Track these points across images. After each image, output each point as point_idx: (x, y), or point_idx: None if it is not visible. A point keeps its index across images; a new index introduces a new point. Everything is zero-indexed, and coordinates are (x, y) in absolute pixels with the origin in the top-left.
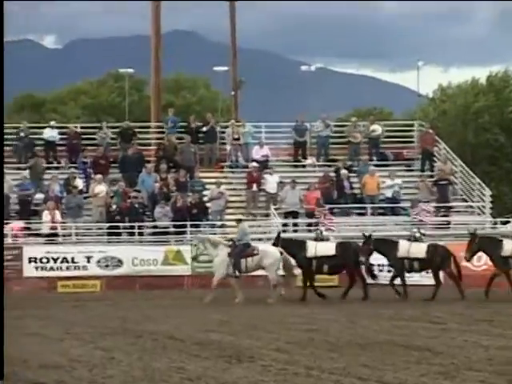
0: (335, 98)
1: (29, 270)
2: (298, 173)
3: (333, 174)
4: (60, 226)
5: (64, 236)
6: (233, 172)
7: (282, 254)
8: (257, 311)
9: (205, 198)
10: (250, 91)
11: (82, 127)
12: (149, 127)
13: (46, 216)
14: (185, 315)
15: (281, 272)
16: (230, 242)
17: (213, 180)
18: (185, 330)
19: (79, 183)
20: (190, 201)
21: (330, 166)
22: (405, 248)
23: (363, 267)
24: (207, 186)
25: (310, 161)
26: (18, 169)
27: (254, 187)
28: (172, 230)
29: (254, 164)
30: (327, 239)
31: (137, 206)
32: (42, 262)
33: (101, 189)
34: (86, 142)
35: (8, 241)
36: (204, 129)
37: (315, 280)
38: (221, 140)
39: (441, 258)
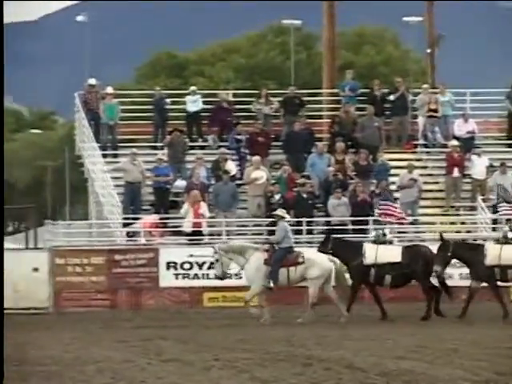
0: None
1: (166, 279)
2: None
3: None
4: (206, 222)
5: (212, 235)
6: (428, 153)
7: (334, 263)
8: (454, 331)
9: (392, 187)
10: (451, 49)
11: (234, 95)
12: (320, 95)
13: (187, 209)
14: (366, 337)
15: (332, 285)
16: (266, 246)
17: (403, 163)
18: (366, 357)
19: (231, 167)
20: (374, 190)
21: None
22: (495, 253)
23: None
24: (395, 171)
25: None
26: (153, 148)
27: (456, 172)
28: (350, 227)
29: (456, 142)
30: (390, 242)
31: (305, 196)
32: (183, 269)
33: (259, 174)
34: (239, 114)
35: (140, 241)
36: (391, 97)
37: (377, 293)
38: (413, 112)
39: None
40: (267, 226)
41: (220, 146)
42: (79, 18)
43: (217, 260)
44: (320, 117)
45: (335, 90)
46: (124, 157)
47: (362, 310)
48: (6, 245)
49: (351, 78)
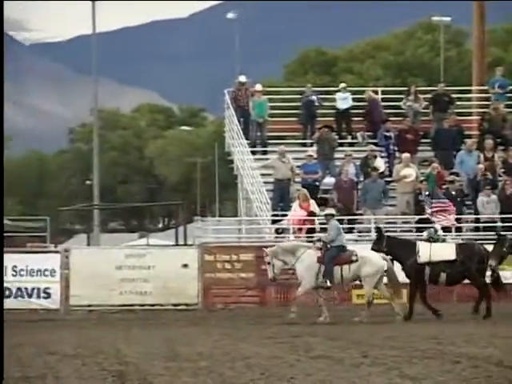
0: None
1: None
2: None
3: None
4: (347, 219)
5: (360, 232)
6: None
7: (386, 261)
8: None
9: None
10: None
11: (383, 92)
12: (470, 92)
13: (295, 207)
14: None
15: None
16: (319, 244)
17: None
18: None
19: (380, 164)
20: None
21: None
22: None
23: (488, 275)
24: None
25: None
26: (302, 145)
27: None
28: (499, 224)
29: None
30: (443, 240)
31: (454, 193)
32: None
33: (408, 171)
34: (388, 111)
35: (289, 238)
36: None
37: (427, 293)
38: None
39: None
40: (416, 223)
41: (369, 143)
42: (229, 16)
43: (268, 263)
44: (469, 114)
45: (485, 87)
46: (273, 154)
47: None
48: (157, 241)
49: (501, 75)
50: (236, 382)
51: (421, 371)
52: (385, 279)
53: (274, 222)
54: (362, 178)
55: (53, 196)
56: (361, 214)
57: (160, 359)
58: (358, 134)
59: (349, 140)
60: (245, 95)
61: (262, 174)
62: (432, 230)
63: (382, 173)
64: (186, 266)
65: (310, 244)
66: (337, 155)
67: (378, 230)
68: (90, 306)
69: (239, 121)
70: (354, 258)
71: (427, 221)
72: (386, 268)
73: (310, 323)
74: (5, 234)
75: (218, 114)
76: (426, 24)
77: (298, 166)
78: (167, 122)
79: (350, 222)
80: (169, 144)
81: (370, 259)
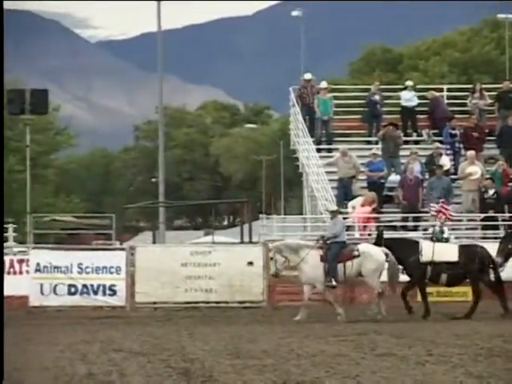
0: None
1: None
2: None
3: None
4: (412, 217)
5: (425, 230)
6: None
7: (387, 256)
8: None
9: None
10: None
11: (448, 89)
12: None
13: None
14: None
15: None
16: (320, 243)
17: None
18: None
19: (445, 161)
20: None
21: None
22: None
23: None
24: None
25: None
26: (367, 143)
27: None
28: None
29: None
30: (446, 240)
31: None
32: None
33: (474, 169)
34: (454, 109)
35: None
36: None
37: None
38: None
39: None
40: (481, 220)
41: (434, 141)
42: (294, 13)
43: (271, 258)
44: None
45: None
46: (338, 151)
47: None
48: (222, 239)
49: None
50: (301, 380)
51: (486, 369)
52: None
53: None
54: (427, 176)
55: (118, 193)
56: (426, 212)
57: (225, 356)
58: (424, 132)
59: (414, 138)
60: (310, 93)
61: (327, 172)
62: (438, 229)
63: (448, 170)
64: (251, 263)
65: (313, 244)
66: (402, 153)
67: (380, 231)
68: (155, 303)
69: (304, 118)
70: (355, 253)
71: (492, 219)
72: (385, 264)
73: (375, 321)
74: (71, 232)
75: (283, 111)
76: (491, 21)
77: (363, 164)
78: (232, 120)
79: (415, 219)
80: (234, 142)
81: (371, 255)
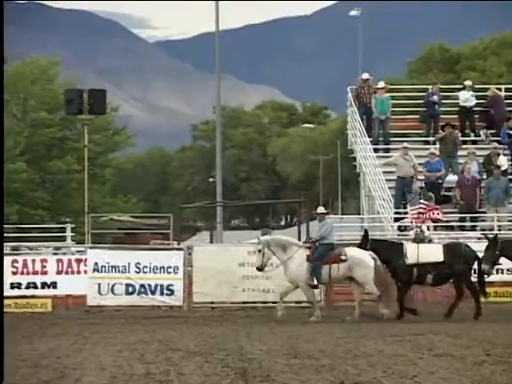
0: None
1: None
2: None
3: None
4: (469, 217)
5: (483, 230)
6: None
7: (375, 260)
8: None
9: None
10: None
11: (506, 89)
12: None
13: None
14: None
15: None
16: (308, 243)
17: None
18: None
19: (503, 161)
20: None
21: None
22: None
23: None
24: None
25: None
26: (425, 142)
27: None
28: None
29: None
30: (429, 240)
31: None
32: None
33: None
34: (511, 109)
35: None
36: None
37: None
38: None
39: None
40: None
41: (492, 141)
42: (352, 13)
43: (259, 251)
44: None
45: None
46: (395, 151)
47: None
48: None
49: None
50: (358, 380)
51: None
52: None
53: (396, 219)
54: (484, 176)
55: (176, 193)
56: (483, 212)
57: (282, 356)
58: (481, 132)
59: (472, 138)
60: (367, 92)
61: (385, 172)
62: (418, 229)
63: (505, 171)
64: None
65: (301, 243)
66: (459, 153)
67: (365, 232)
68: (212, 303)
69: (362, 118)
70: (343, 257)
71: None
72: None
73: (432, 321)
74: (129, 231)
75: (341, 111)
76: None
77: (421, 164)
78: (290, 120)
79: (473, 219)
80: (291, 141)
81: (361, 260)
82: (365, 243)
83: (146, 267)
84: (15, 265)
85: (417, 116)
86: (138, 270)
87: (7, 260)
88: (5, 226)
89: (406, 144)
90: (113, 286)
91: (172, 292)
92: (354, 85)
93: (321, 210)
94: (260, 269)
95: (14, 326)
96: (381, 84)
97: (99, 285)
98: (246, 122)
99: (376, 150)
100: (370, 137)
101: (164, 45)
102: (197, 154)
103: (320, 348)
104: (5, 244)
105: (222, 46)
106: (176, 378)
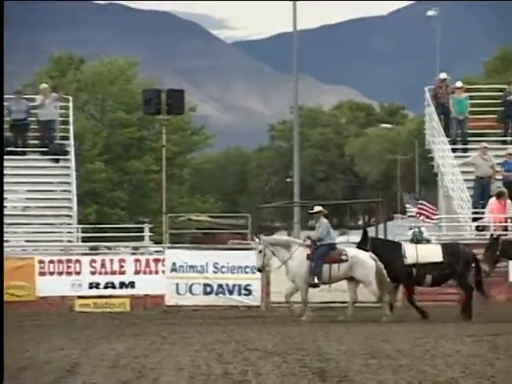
0: None
1: None
2: None
3: None
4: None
5: None
6: None
7: (375, 261)
8: None
9: None
10: None
11: None
12: None
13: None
14: None
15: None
16: (308, 242)
17: None
18: None
19: None
20: None
21: None
22: None
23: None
24: None
25: None
26: (503, 142)
27: None
28: None
29: None
30: (428, 241)
31: None
32: None
33: None
34: None
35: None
36: None
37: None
38: None
39: None
40: None
41: None
42: (429, 13)
43: (260, 251)
44: None
45: None
46: (473, 151)
47: None
48: (357, 239)
49: None
50: (436, 380)
51: None
52: None
53: (474, 219)
54: None
55: (253, 193)
56: None
57: (360, 356)
58: None
59: None
60: (445, 92)
61: (463, 172)
62: (417, 230)
63: None
64: None
65: (301, 241)
66: None
67: (365, 232)
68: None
69: (439, 118)
70: (343, 257)
71: None
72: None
73: (510, 321)
74: (206, 231)
75: (418, 111)
76: None
77: (499, 164)
78: (367, 120)
79: None
80: (369, 141)
81: (362, 260)
82: (365, 243)
83: (224, 267)
84: (93, 265)
85: (494, 116)
86: (215, 270)
87: (86, 259)
88: (84, 225)
89: (484, 144)
90: (191, 285)
91: (250, 292)
92: (432, 85)
93: (316, 208)
94: (260, 269)
95: (92, 326)
96: (458, 84)
97: (177, 285)
98: (324, 122)
99: (454, 150)
100: (447, 136)
101: (242, 45)
102: (274, 154)
103: (398, 348)
104: (83, 244)
105: (300, 46)
106: (254, 379)
